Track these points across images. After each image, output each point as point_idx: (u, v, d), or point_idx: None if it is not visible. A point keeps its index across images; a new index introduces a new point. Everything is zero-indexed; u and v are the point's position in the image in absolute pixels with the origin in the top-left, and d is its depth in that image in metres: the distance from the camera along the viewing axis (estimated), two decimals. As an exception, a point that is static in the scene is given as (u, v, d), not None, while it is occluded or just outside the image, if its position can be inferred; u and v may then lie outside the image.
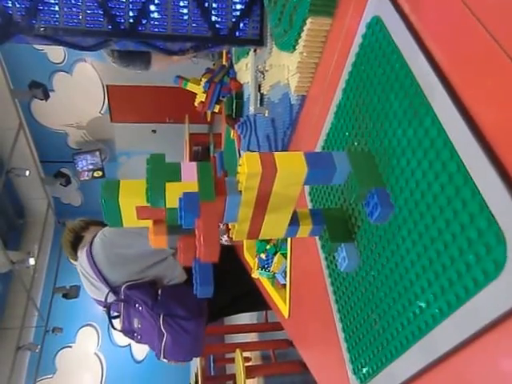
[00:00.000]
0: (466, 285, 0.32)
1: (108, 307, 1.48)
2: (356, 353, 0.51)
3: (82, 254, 1.54)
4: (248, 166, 0.34)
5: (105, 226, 1.61)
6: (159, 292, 1.49)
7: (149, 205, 0.35)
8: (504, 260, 0.28)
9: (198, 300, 1.49)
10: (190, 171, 0.36)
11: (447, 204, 0.33)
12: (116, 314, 1.51)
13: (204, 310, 1.53)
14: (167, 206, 0.36)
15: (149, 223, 0.38)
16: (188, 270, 1.55)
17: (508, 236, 0.28)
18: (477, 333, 0.31)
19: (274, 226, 0.43)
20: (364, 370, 0.49)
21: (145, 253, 1.50)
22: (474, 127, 0.31)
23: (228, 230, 1.33)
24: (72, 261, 1.65)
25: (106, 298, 1.49)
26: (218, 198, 0.35)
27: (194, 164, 0.37)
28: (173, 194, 0.35)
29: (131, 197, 0.36)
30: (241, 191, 0.37)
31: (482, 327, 0.30)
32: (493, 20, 0.30)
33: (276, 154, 0.35)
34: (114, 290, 1.50)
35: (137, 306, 1.47)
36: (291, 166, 0.35)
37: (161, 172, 0.35)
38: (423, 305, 0.37)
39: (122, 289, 1.48)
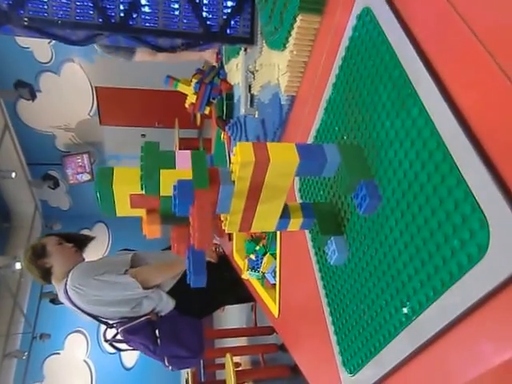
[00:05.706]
0: (451, 270, 0.33)
1: (110, 343, 1.56)
2: (345, 345, 0.52)
3: (61, 295, 1.50)
4: (241, 155, 0.35)
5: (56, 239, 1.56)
6: (157, 333, 1.52)
7: (143, 193, 0.35)
8: (487, 243, 0.29)
9: (198, 335, 1.60)
10: (184, 159, 0.37)
11: (433, 193, 0.34)
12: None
13: (203, 343, 1.61)
14: (161, 194, 0.36)
15: (142, 212, 0.39)
16: (175, 294, 1.56)
17: (491, 220, 0.29)
18: (460, 316, 0.32)
19: (266, 217, 0.43)
20: (353, 361, 0.50)
21: (123, 299, 1.49)
22: (460, 117, 0.32)
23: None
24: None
25: (104, 335, 1.54)
26: (211, 186, 0.36)
27: (188, 152, 0.37)
28: (167, 182, 0.35)
29: (125, 184, 0.36)
30: (234, 181, 0.37)
31: (465, 310, 0.31)
32: (472, 15, 0.31)
33: (269, 144, 0.36)
34: (111, 326, 1.53)
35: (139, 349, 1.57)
36: (283, 156, 0.36)
37: (155, 159, 0.36)
38: (410, 293, 0.38)
39: (120, 330, 1.51)
